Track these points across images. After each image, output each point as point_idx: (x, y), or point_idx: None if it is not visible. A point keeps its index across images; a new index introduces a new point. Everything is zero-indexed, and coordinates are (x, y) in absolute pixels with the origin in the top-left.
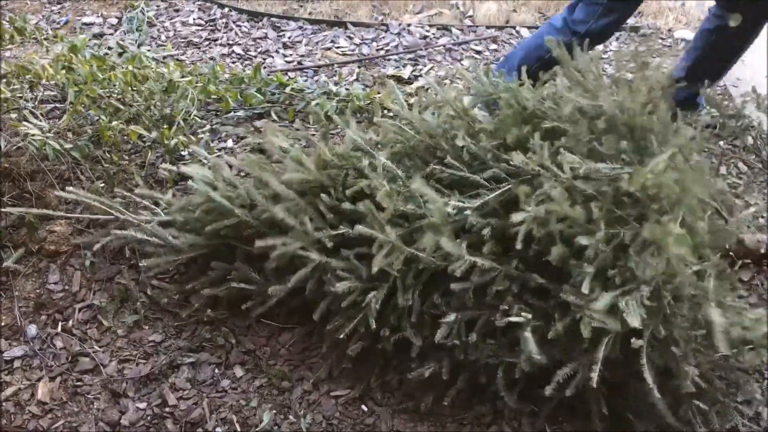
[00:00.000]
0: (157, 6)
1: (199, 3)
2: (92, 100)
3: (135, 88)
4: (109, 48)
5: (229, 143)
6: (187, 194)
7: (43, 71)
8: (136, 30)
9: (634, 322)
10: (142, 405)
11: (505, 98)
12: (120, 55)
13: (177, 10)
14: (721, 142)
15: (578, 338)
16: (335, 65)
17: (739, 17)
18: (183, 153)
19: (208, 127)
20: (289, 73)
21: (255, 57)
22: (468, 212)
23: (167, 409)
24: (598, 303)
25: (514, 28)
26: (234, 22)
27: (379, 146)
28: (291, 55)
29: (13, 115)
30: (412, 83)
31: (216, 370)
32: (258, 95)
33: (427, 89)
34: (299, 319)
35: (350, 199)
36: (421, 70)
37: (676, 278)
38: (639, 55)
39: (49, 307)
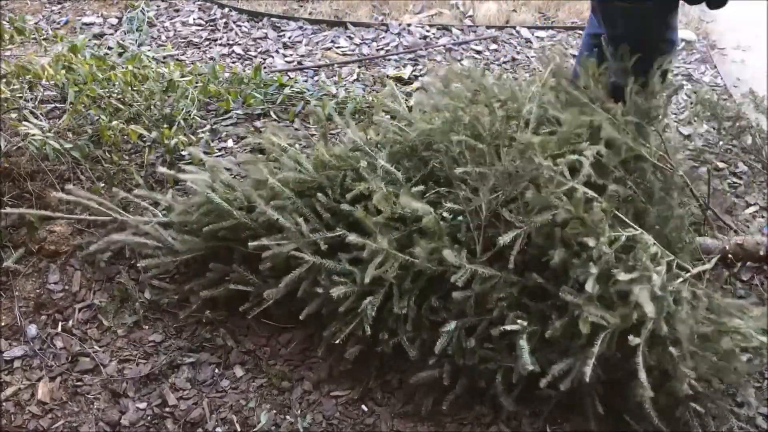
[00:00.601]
0: (157, 6)
1: (199, 3)
2: (92, 99)
3: (135, 88)
4: (109, 48)
5: (229, 143)
6: (186, 194)
7: (42, 71)
8: (136, 30)
9: (648, 308)
10: (142, 405)
11: None
12: (120, 55)
13: (177, 10)
14: (721, 142)
15: (575, 337)
16: (335, 65)
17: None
18: (183, 153)
19: (208, 127)
20: (289, 73)
21: (255, 57)
22: (460, 217)
23: (167, 409)
24: (621, 275)
25: (514, 28)
26: (234, 22)
27: (379, 146)
28: (291, 55)
29: (13, 115)
30: (412, 83)
31: (216, 370)
32: (258, 95)
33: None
34: (299, 319)
35: (348, 201)
36: (421, 70)
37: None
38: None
39: (49, 307)
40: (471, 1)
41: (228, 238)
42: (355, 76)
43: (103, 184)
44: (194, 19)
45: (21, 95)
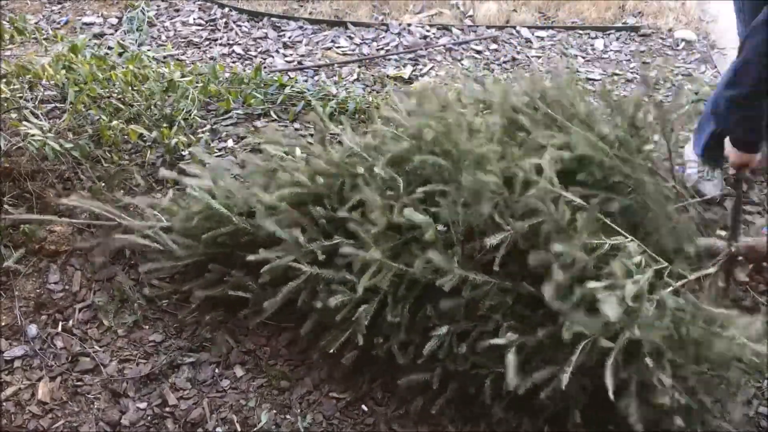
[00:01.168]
0: (158, 6)
1: (199, 3)
2: (92, 99)
3: (135, 88)
4: (110, 48)
5: (229, 143)
6: (186, 192)
7: (43, 71)
8: (137, 30)
9: (611, 314)
10: (143, 405)
11: None
12: (120, 54)
13: (177, 10)
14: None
15: (561, 346)
16: (335, 65)
17: None
18: (183, 153)
19: (208, 126)
20: (289, 73)
21: (255, 57)
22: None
23: (167, 409)
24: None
25: (514, 27)
26: (234, 22)
27: (377, 151)
28: (291, 54)
29: (14, 115)
30: (412, 83)
31: (216, 370)
32: (258, 95)
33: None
34: (299, 319)
35: (346, 209)
36: (421, 69)
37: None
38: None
39: (49, 306)
40: (471, 1)
41: (227, 244)
42: (355, 76)
43: (103, 184)
44: (194, 19)
45: (21, 95)
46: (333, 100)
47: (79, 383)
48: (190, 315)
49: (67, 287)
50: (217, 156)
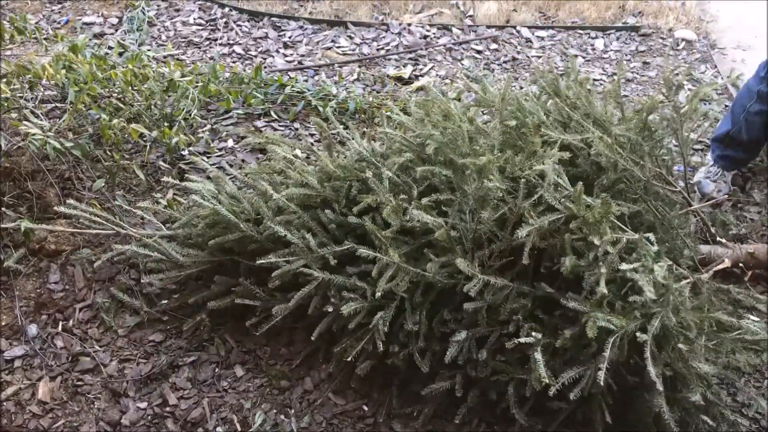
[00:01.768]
0: (158, 6)
1: (199, 3)
2: (93, 99)
3: (135, 88)
4: (110, 47)
5: (230, 143)
6: (187, 194)
7: (43, 71)
8: (137, 29)
9: (648, 293)
10: (143, 405)
11: None
12: (120, 54)
13: (177, 10)
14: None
15: (586, 346)
16: (335, 65)
17: None
18: (183, 152)
19: (208, 126)
20: (290, 73)
21: (255, 56)
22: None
23: (168, 409)
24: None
25: (514, 27)
26: (234, 22)
27: (385, 156)
28: (291, 54)
29: (14, 115)
30: (412, 83)
31: (216, 370)
32: (258, 95)
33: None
34: (300, 319)
35: (355, 213)
36: (421, 69)
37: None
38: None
39: (49, 306)
40: (471, 1)
41: (234, 251)
42: (355, 76)
43: (104, 184)
44: (194, 19)
45: (21, 95)
46: (333, 100)
47: (79, 383)
48: (194, 323)
49: (67, 287)
50: (217, 156)
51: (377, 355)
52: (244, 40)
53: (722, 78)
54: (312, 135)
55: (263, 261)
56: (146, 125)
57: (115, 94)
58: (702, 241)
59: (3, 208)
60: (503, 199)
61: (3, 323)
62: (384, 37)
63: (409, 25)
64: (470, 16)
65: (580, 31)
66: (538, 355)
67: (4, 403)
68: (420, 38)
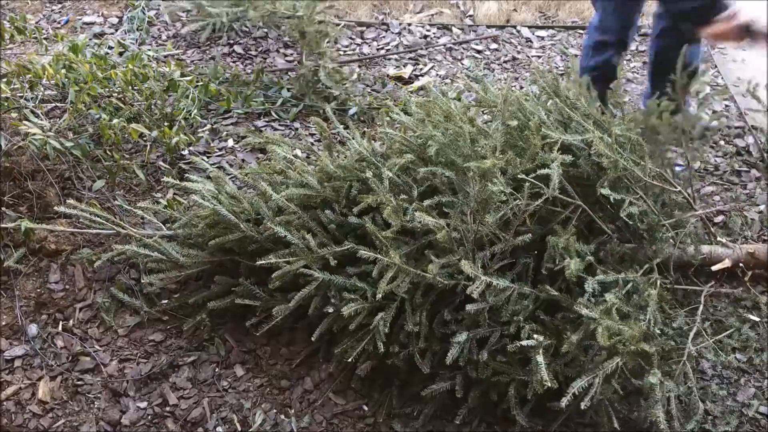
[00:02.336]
0: (158, 5)
1: None
2: (93, 99)
3: (135, 87)
4: (110, 47)
5: (230, 143)
6: (187, 194)
7: (43, 70)
8: (137, 29)
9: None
10: (143, 404)
11: None
12: (120, 54)
13: None
14: (722, 142)
15: (587, 348)
16: (336, 65)
17: None
18: (183, 152)
19: (208, 126)
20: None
21: (255, 56)
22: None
23: (168, 409)
24: None
25: (514, 27)
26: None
27: (385, 156)
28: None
29: (14, 114)
30: (412, 82)
31: (216, 370)
32: (259, 98)
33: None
34: (300, 319)
35: (356, 214)
36: (421, 69)
37: None
38: None
39: (49, 306)
40: (471, 1)
41: (234, 251)
42: (355, 76)
43: (104, 184)
44: None
45: (21, 94)
46: (333, 100)
47: (79, 383)
48: (194, 323)
49: (67, 286)
50: (217, 155)
51: (378, 356)
52: (244, 40)
53: (722, 78)
54: (312, 135)
55: (263, 262)
56: (146, 125)
57: (115, 94)
58: (702, 242)
59: (3, 208)
60: (506, 201)
61: (3, 323)
62: (384, 36)
63: (409, 24)
64: (470, 15)
65: (581, 31)
66: (540, 358)
67: (4, 403)
68: (420, 38)
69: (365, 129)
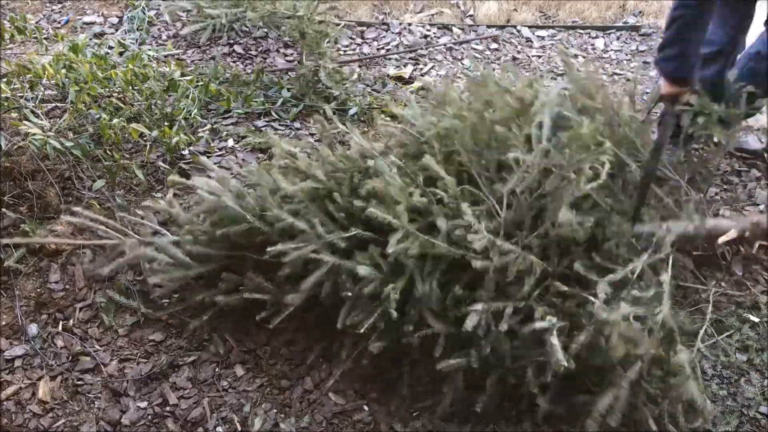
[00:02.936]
0: (158, 5)
1: None
2: (93, 98)
3: (136, 87)
4: (110, 47)
5: (230, 142)
6: (188, 193)
7: (43, 70)
8: (137, 29)
9: None
10: (143, 404)
11: None
12: (121, 54)
13: None
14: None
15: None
16: (336, 65)
17: None
18: (183, 152)
19: (208, 126)
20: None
21: (256, 56)
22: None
23: (168, 408)
24: None
25: (514, 27)
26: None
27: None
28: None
29: (14, 114)
30: (412, 82)
31: (216, 370)
32: (259, 98)
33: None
34: (303, 318)
35: (362, 198)
36: (421, 69)
37: None
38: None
39: (49, 306)
40: (472, 1)
41: (241, 245)
42: (355, 76)
43: (104, 183)
44: None
45: (22, 94)
46: (333, 100)
47: (79, 382)
48: (196, 323)
49: (67, 286)
50: (217, 155)
51: (383, 352)
52: (244, 40)
53: None
54: (312, 135)
55: (272, 249)
56: (146, 125)
57: (116, 94)
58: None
59: (3, 208)
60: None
61: (3, 323)
62: (384, 36)
63: (410, 24)
64: (470, 15)
65: (581, 31)
66: (555, 339)
67: (5, 403)
68: (420, 38)
69: (365, 129)
